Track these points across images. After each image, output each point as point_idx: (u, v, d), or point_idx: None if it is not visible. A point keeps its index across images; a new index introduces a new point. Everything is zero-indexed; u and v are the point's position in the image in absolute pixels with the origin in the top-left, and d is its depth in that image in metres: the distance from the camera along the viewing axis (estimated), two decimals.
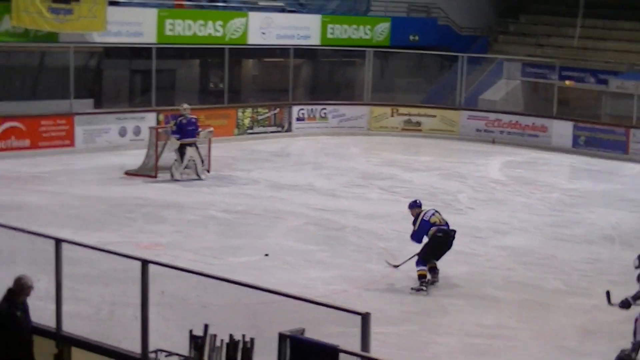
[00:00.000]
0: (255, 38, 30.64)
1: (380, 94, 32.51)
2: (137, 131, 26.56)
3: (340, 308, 7.64)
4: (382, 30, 33.63)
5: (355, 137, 30.61)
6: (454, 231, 15.08)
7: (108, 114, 26.62)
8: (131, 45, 28.30)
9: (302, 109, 30.88)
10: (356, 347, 7.23)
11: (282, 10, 32.28)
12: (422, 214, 14.99)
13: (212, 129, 23.87)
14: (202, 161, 22.63)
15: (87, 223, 17.72)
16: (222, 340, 8.19)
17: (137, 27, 27.74)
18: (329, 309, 7.80)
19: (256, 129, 29.76)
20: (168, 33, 28.49)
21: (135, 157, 23.67)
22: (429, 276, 14.60)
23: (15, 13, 24.65)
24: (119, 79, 29.40)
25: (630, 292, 12.57)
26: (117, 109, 27.47)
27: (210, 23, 29.48)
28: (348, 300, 13.22)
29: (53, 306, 9.42)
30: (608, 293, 12.99)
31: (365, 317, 7.24)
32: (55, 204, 19.30)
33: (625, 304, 12.73)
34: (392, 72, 34.09)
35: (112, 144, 26.06)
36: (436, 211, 15.17)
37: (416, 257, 14.72)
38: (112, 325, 11.16)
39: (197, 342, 8.32)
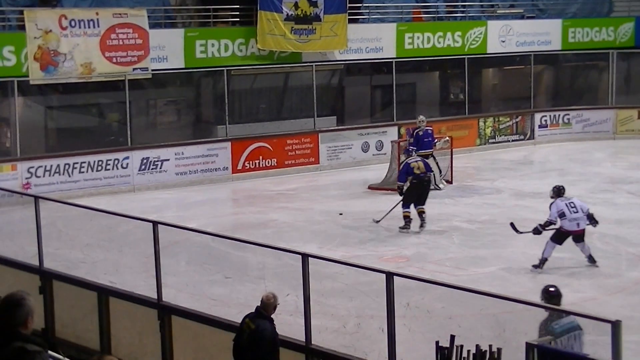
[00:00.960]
0: (494, 46, 30.37)
1: (626, 97, 31.42)
2: (379, 146, 26.87)
3: (589, 316, 7.43)
4: (626, 30, 32.53)
5: (600, 141, 29.71)
6: (428, 179, 19.06)
7: (351, 130, 27.05)
8: (371, 61, 28.66)
9: (545, 116, 30.32)
10: (607, 356, 6.97)
11: (521, 17, 31.86)
12: (407, 159, 19.18)
13: (447, 138, 23.82)
14: (440, 171, 22.65)
15: (332, 238, 18.02)
16: (468, 351, 8.11)
17: (377, 42, 28.09)
18: (577, 317, 7.58)
19: (498, 138, 29.45)
20: (407, 47, 28.68)
21: (378, 172, 23.97)
22: (413, 217, 18.27)
23: (261, 36, 25.50)
24: (360, 95, 29.80)
25: None
26: (359, 124, 27.87)
27: (449, 34, 29.47)
28: (597, 307, 12.82)
29: (302, 320, 9.61)
30: (512, 224, 15.98)
31: (615, 325, 6.98)
32: (300, 220, 19.76)
33: (536, 231, 15.59)
34: (637, 73, 32.84)
35: (355, 159, 26.46)
36: (423, 159, 19.20)
37: (391, 209, 18.69)
38: (358, 337, 11.25)
39: (443, 354, 8.27)
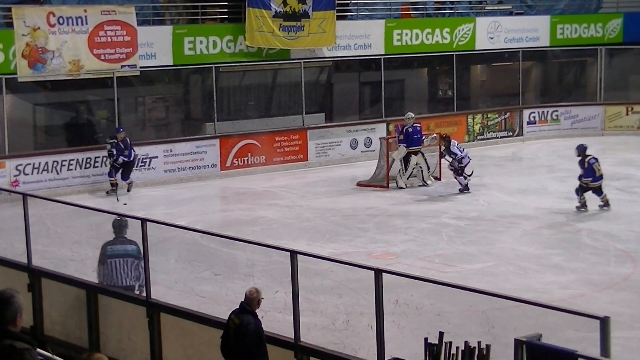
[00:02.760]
0: (483, 43, 30.41)
1: (614, 93, 31.47)
2: (368, 142, 26.89)
3: (578, 312, 7.44)
4: (614, 26, 32.61)
5: (588, 138, 29.66)
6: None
7: (339, 127, 27.06)
8: (360, 58, 28.66)
9: (533, 112, 30.37)
10: (596, 352, 6.99)
11: (509, 13, 31.92)
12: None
13: (435, 135, 23.89)
14: (428, 168, 22.78)
15: (320, 235, 18.03)
16: (457, 348, 8.11)
17: (365, 39, 28.09)
18: (566, 314, 7.60)
19: (487, 135, 29.50)
20: (396, 43, 28.69)
21: (367, 169, 23.99)
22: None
23: (249, 33, 25.49)
24: (349, 91, 29.82)
25: None
26: (348, 121, 27.88)
27: (437, 31, 29.49)
28: (586, 304, 12.85)
29: (291, 317, 9.61)
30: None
31: (604, 321, 6.99)
32: (289, 217, 19.76)
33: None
34: (626, 70, 32.91)
35: (343, 156, 26.48)
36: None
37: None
38: (347, 334, 11.27)
39: (432, 350, 8.27)
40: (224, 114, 26.14)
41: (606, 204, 19.78)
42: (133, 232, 11.83)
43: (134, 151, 22.43)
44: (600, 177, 19.73)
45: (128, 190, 22.40)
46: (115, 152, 22.09)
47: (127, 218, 12.53)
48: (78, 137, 24.16)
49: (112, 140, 22.28)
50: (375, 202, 21.05)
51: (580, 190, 19.78)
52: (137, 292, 11.77)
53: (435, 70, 32.03)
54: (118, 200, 21.48)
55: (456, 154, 21.99)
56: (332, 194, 22.15)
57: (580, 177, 19.78)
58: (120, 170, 22.34)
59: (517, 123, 30.00)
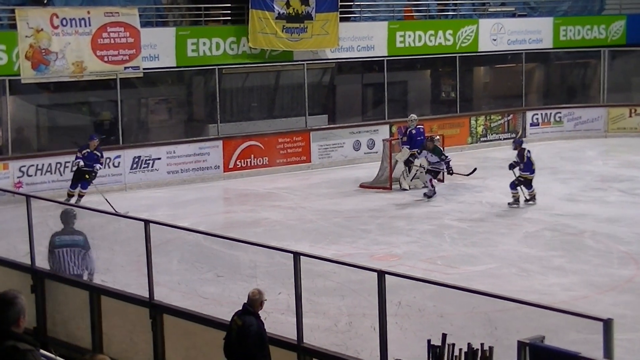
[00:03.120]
0: (486, 45, 30.42)
1: (617, 95, 31.46)
2: (371, 144, 26.89)
3: (581, 314, 7.43)
4: (617, 28, 32.61)
5: (591, 139, 29.77)
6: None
7: (342, 129, 27.06)
8: (363, 59, 28.66)
9: (536, 114, 30.37)
10: (599, 354, 6.98)
11: (512, 15, 31.91)
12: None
13: (438, 137, 23.90)
14: None
15: (323, 236, 18.04)
16: (460, 350, 8.11)
17: (368, 41, 28.10)
18: (569, 316, 7.59)
19: (490, 137, 29.49)
20: (399, 45, 28.70)
21: (370, 170, 23.99)
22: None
23: (252, 35, 25.50)
24: (352, 93, 29.82)
25: None
26: (351, 123, 27.88)
27: (440, 32, 29.50)
28: (589, 306, 12.84)
29: (293, 319, 9.61)
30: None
31: (607, 323, 6.99)
32: (292, 219, 19.76)
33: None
34: (629, 71, 32.90)
35: (346, 157, 26.48)
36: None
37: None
38: (350, 336, 11.26)
39: (435, 352, 8.27)
40: (227, 116, 26.15)
41: (533, 198, 20.51)
42: (136, 234, 11.84)
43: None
44: (534, 171, 20.49)
45: (78, 201, 20.24)
46: (84, 163, 20.61)
47: (75, 209, 13.25)
48: (81, 139, 24.14)
49: (85, 150, 20.80)
50: (378, 204, 21.05)
51: (515, 185, 20.43)
52: (87, 279, 12.29)
53: (438, 72, 32.03)
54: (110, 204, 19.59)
55: (443, 158, 21.83)
56: (335, 195, 22.15)
57: (511, 168, 20.58)
58: (83, 179, 20.81)
59: (520, 125, 29.99)
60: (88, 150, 20.86)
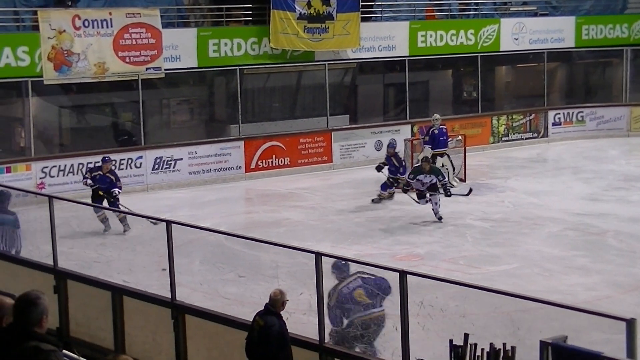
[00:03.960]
0: (507, 44, 30.30)
1: None
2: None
3: (604, 314, 7.41)
4: None
5: (614, 139, 29.61)
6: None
7: (363, 129, 27.03)
8: (384, 59, 28.63)
9: (558, 114, 30.23)
10: (622, 354, 6.95)
11: (534, 14, 31.79)
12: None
13: (460, 137, 23.82)
14: (454, 169, 22.70)
15: (345, 236, 18.03)
16: (482, 349, 8.09)
17: (390, 41, 28.06)
18: (591, 316, 7.57)
19: (512, 136, 29.40)
20: (420, 45, 28.64)
21: None
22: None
23: (274, 35, 25.51)
24: (373, 93, 29.79)
25: None
26: (372, 123, 27.85)
27: (462, 32, 29.42)
28: (612, 306, 12.79)
29: (315, 319, 9.61)
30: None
31: (630, 323, 6.96)
32: (314, 219, 19.77)
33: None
34: None
35: (368, 158, 26.43)
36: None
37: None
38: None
39: (457, 352, 8.26)
40: (248, 116, 26.17)
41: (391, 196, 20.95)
42: (158, 234, 11.86)
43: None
44: (405, 172, 20.71)
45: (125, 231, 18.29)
46: (97, 185, 18.69)
47: (9, 190, 14.41)
48: (103, 140, 24.24)
49: (96, 173, 18.85)
50: (400, 204, 21.00)
51: (387, 186, 20.91)
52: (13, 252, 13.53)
53: (460, 72, 31.96)
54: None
55: (440, 179, 19.51)
56: (357, 195, 22.13)
57: (391, 171, 20.83)
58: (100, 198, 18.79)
59: (542, 124, 29.88)
60: (100, 173, 18.82)
